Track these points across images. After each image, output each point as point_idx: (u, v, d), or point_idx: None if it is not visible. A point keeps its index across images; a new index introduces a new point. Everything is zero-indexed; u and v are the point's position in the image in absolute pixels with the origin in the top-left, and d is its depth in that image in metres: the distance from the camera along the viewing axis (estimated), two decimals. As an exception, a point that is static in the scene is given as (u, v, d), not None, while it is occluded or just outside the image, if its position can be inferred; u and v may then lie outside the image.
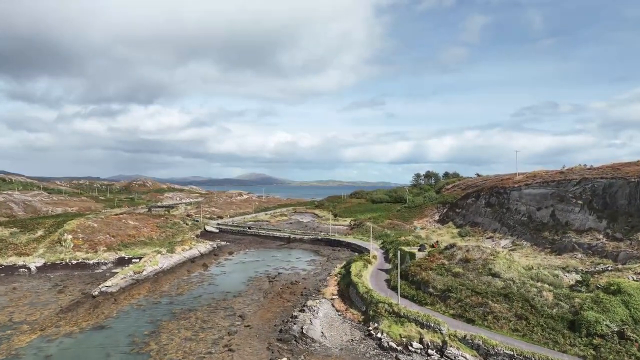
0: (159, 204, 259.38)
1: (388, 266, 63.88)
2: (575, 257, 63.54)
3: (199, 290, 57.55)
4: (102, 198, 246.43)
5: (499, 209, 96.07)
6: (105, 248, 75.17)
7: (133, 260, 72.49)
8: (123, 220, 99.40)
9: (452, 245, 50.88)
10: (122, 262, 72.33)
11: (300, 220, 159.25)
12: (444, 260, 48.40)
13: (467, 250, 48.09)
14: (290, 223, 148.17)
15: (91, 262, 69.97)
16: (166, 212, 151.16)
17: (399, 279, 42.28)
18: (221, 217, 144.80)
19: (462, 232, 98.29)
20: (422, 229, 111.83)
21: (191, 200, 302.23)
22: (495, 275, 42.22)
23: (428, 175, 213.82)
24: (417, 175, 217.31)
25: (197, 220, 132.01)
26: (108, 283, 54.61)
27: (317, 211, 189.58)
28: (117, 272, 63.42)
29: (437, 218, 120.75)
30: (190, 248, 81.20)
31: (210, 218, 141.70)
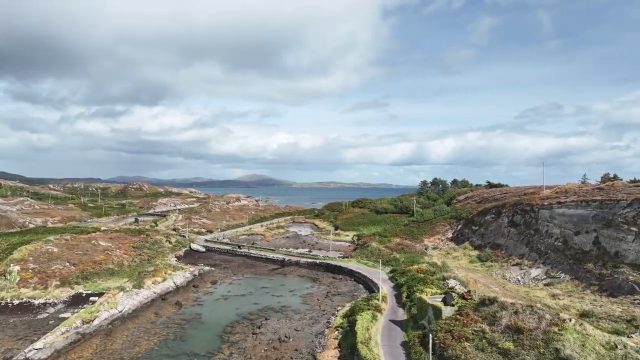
0: (150, 211, 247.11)
1: (402, 314, 51.11)
2: (639, 304, 50.69)
3: (161, 349, 44.81)
4: (91, 205, 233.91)
5: (526, 229, 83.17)
6: (59, 282, 62.38)
7: (91, 297, 59.83)
8: (93, 242, 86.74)
9: (492, 300, 38.01)
10: (77, 300, 59.62)
11: (299, 233, 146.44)
12: (484, 324, 35.57)
13: (516, 312, 35.21)
14: (287, 237, 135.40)
15: (37, 302, 57.24)
16: (151, 226, 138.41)
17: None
18: (211, 232, 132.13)
19: (482, 256, 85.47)
20: (434, 249, 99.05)
21: (186, 206, 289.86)
22: (565, 360, 29.36)
23: (435, 182, 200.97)
24: (424, 183, 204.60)
25: (183, 236, 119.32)
26: (39, 344, 41.89)
27: (316, 221, 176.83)
28: (65, 318, 50.93)
29: (451, 236, 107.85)
30: (164, 279, 68.43)
31: (199, 232, 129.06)
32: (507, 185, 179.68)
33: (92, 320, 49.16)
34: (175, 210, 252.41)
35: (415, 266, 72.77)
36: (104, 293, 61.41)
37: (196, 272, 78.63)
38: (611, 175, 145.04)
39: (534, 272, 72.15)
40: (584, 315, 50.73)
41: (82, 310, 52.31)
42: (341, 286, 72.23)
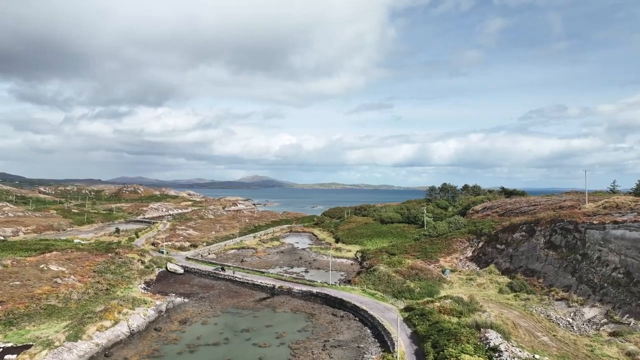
0: (139, 217, 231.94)
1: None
2: None
3: None
4: (75, 211, 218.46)
5: (569, 254, 67.83)
6: (-32, 333, 47.25)
7: (7, 356, 44.69)
8: (42, 266, 71.72)
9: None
10: (-11, 359, 44.47)
11: (295, 246, 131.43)
12: None
13: None
14: (282, 252, 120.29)
15: None
16: (130, 238, 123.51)
17: None
18: (195, 246, 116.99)
19: (514, 285, 70.17)
20: (452, 271, 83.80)
21: (179, 211, 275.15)
22: None
23: (444, 188, 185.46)
24: (432, 189, 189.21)
25: (161, 252, 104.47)
26: None
27: (315, 231, 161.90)
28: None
29: (470, 255, 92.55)
30: (115, 322, 53.26)
31: (181, 247, 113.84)
32: (524, 192, 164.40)
33: (-15, 405, 34.00)
34: (167, 215, 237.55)
35: (437, 304, 57.65)
36: (30, 345, 46.53)
37: (163, 307, 63.45)
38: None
39: (589, 312, 56.79)
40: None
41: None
42: (343, 329, 56.93)
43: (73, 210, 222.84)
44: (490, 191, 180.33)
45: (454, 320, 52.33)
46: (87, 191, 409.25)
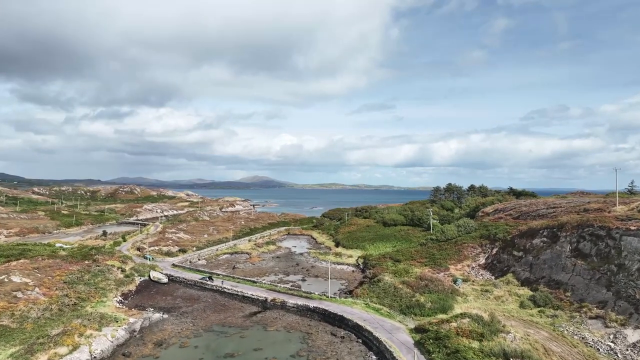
0: (132, 218, 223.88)
1: None
2: None
3: None
4: (65, 212, 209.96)
5: (602, 264, 59.52)
6: None
7: None
8: (3, 277, 63.41)
9: None
10: None
11: (293, 250, 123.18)
12: None
13: None
14: (278, 257, 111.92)
15: None
16: (115, 242, 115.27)
17: None
18: (185, 251, 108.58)
19: (537, 298, 61.82)
20: (464, 281, 75.46)
21: (174, 212, 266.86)
22: None
23: (449, 189, 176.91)
24: (436, 189, 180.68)
25: (147, 258, 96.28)
26: None
27: (315, 234, 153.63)
28: None
29: (483, 262, 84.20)
30: (74, 348, 44.98)
31: (168, 253, 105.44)
32: (534, 193, 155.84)
33: None
34: (161, 217, 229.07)
35: (454, 324, 49.32)
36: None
37: (137, 326, 55.14)
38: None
39: (632, 334, 48.44)
40: None
41: None
42: (343, 354, 48.57)
43: (63, 211, 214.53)
44: (497, 192, 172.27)
45: (475, 345, 44.24)
46: (82, 191, 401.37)
